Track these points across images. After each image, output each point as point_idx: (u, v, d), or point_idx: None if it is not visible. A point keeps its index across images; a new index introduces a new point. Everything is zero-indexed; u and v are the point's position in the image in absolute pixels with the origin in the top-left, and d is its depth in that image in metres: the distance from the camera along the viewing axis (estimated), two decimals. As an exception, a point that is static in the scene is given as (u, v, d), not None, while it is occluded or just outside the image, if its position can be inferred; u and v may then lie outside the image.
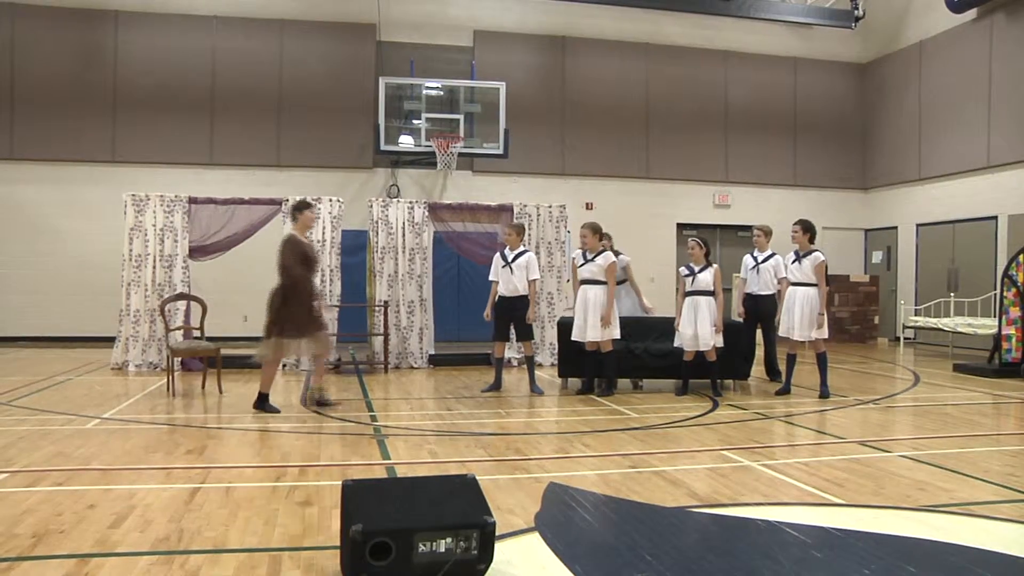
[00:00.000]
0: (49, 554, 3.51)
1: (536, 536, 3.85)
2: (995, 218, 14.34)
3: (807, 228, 8.49)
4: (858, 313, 16.11)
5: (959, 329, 13.17)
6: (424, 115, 14.45)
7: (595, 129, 16.18)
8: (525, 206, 11.69)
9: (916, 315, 15.13)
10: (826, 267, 8.29)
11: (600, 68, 16.29)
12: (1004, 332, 10.60)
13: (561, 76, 16.22)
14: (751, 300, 9.36)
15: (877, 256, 17.47)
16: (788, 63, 17.19)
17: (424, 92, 14.58)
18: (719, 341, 8.38)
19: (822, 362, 8.49)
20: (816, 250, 8.38)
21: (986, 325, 12.53)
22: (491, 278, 8.85)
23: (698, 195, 16.70)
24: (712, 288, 8.36)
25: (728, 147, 16.95)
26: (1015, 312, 10.53)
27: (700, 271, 8.40)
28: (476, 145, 14.74)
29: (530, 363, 9.07)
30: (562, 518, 4.19)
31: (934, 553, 3.68)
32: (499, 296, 8.73)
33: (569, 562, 3.48)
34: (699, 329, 8.28)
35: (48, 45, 14.40)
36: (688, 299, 8.40)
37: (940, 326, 13.70)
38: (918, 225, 16.23)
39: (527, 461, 5.53)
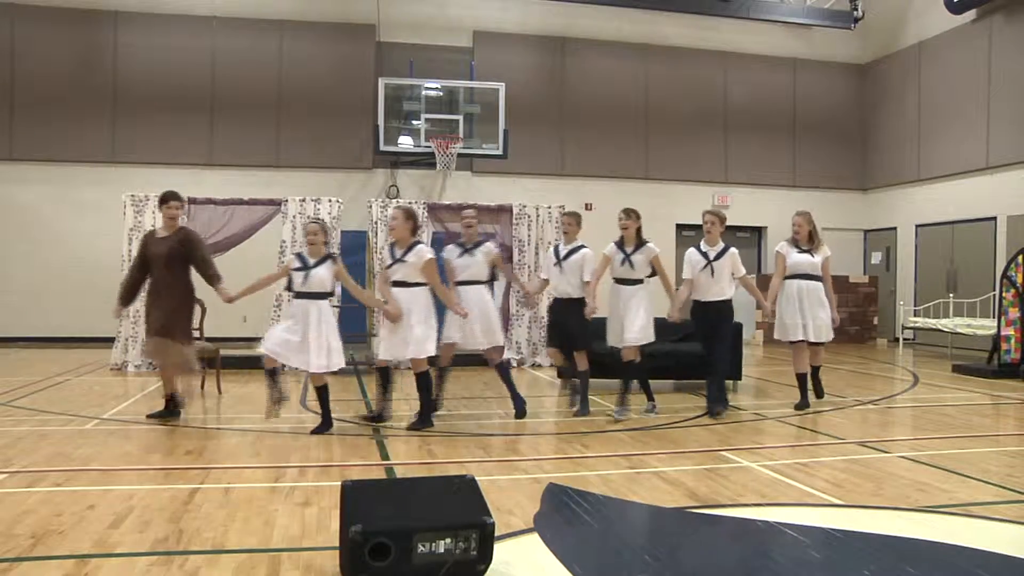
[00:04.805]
0: (48, 555, 3.51)
1: (535, 537, 3.84)
2: (994, 219, 14.34)
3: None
4: (857, 314, 16.12)
5: (958, 330, 13.18)
6: (423, 116, 14.45)
7: (594, 130, 16.18)
8: (524, 207, 11.69)
9: (915, 316, 15.13)
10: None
11: (599, 69, 16.29)
12: (1003, 333, 10.60)
13: (561, 77, 16.22)
14: (700, 307, 7.41)
15: (876, 257, 17.48)
16: (787, 64, 17.19)
17: (423, 93, 14.58)
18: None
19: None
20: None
21: (985, 326, 12.54)
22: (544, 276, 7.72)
23: (697, 196, 16.66)
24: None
25: (727, 148, 16.95)
26: (1014, 313, 10.54)
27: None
28: (475, 146, 14.75)
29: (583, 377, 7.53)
30: (561, 519, 4.19)
31: (933, 553, 3.68)
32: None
33: (568, 563, 3.48)
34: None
35: (48, 45, 14.39)
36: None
37: (939, 327, 13.71)
38: (917, 226, 16.24)
39: (526, 462, 5.53)
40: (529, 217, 11.59)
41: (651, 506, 4.43)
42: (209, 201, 10.94)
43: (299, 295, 6.35)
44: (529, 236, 11.50)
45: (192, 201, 10.85)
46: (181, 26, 14.79)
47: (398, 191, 15.20)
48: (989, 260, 14.24)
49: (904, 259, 16.60)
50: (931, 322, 14.15)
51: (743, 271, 7.44)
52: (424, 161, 14.92)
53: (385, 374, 6.75)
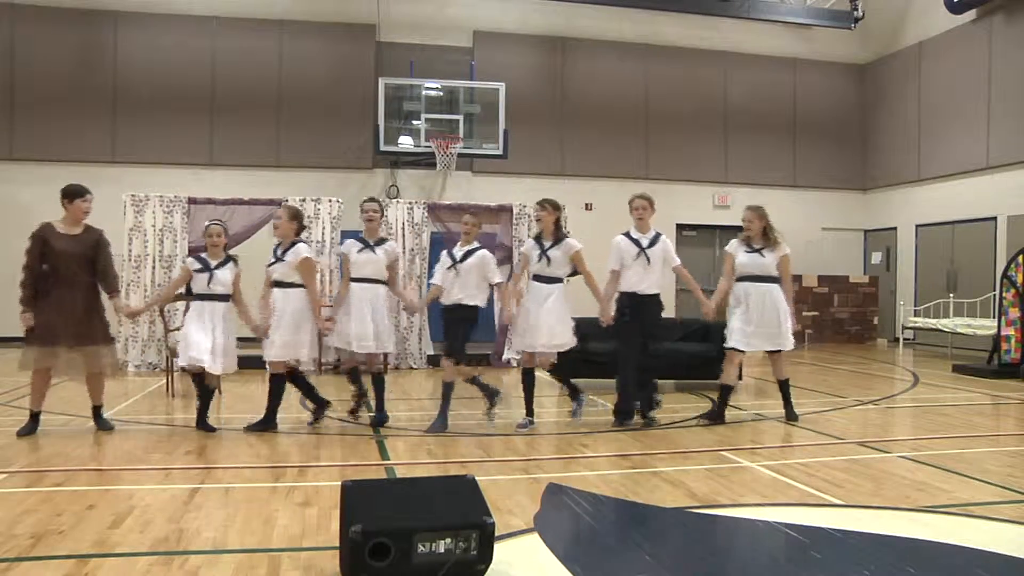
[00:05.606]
0: (48, 554, 3.51)
1: (535, 537, 3.84)
2: (994, 219, 14.34)
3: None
4: (857, 314, 16.13)
5: (958, 330, 13.18)
6: (424, 116, 14.45)
7: (594, 130, 16.18)
8: (525, 206, 11.69)
9: (915, 316, 15.13)
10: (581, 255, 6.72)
11: (599, 69, 16.29)
12: (1003, 333, 10.60)
13: (561, 77, 16.22)
14: (633, 301, 6.65)
15: (876, 257, 17.48)
16: (787, 64, 17.19)
17: (424, 93, 14.58)
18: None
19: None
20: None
21: (985, 326, 12.55)
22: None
23: (698, 196, 16.70)
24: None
25: (728, 148, 16.95)
26: (1014, 313, 10.54)
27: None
28: (476, 146, 14.75)
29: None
30: (561, 519, 4.19)
31: (933, 553, 3.68)
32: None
33: (568, 563, 3.48)
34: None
35: (48, 45, 14.38)
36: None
37: (939, 327, 13.71)
38: (917, 226, 16.24)
39: (526, 461, 5.53)
40: (529, 217, 11.59)
41: (651, 506, 4.43)
42: (209, 201, 10.95)
43: (203, 297, 6.33)
44: (529, 236, 11.48)
45: (192, 201, 10.89)
46: (181, 26, 14.79)
47: (398, 191, 15.20)
48: (989, 260, 14.24)
49: (904, 259, 16.60)
50: (931, 322, 14.14)
51: (677, 260, 6.81)
52: (424, 161, 14.92)
53: (290, 378, 6.60)
